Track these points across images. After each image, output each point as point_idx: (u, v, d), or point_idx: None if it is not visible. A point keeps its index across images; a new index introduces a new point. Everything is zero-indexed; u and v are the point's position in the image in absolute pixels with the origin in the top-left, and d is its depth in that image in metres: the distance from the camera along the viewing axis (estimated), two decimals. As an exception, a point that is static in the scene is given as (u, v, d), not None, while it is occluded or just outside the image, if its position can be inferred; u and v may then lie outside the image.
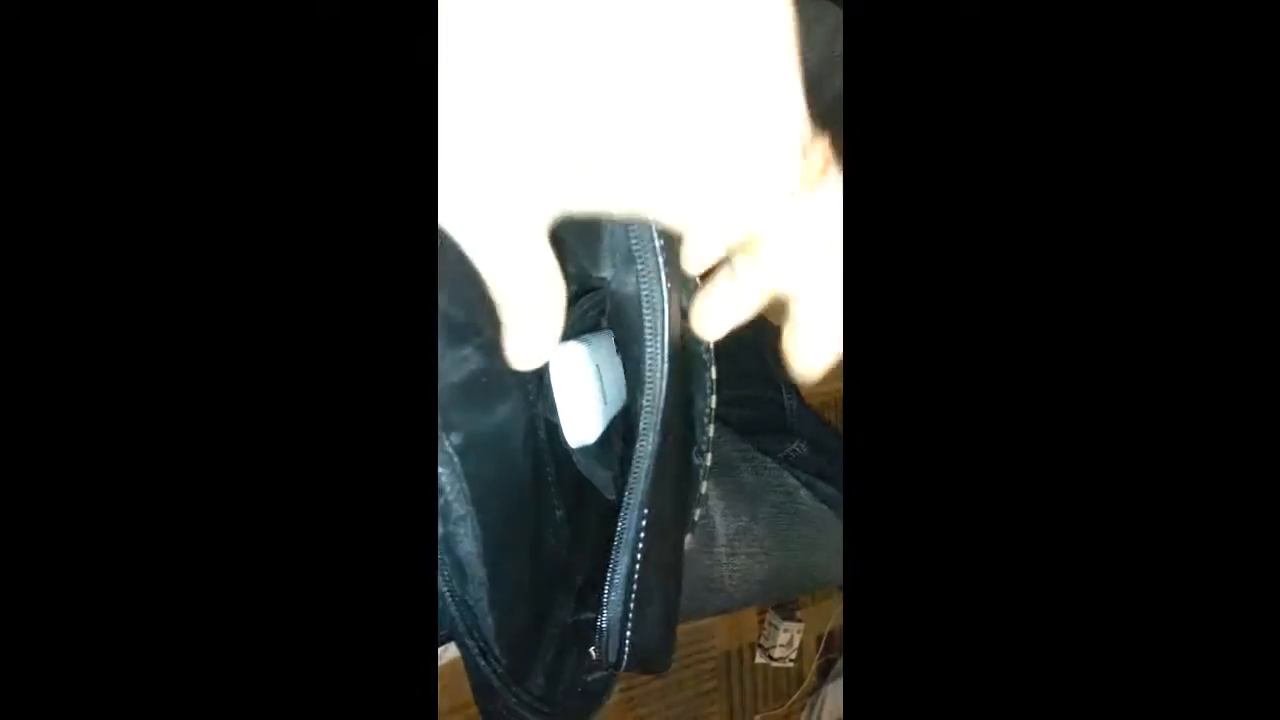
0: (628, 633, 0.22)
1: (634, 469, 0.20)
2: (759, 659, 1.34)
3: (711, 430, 0.31)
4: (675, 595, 0.24)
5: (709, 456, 0.31)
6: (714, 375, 0.30)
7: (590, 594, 0.27)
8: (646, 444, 0.20)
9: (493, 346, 0.28)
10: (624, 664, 0.22)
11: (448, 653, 0.36)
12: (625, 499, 0.21)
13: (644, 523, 0.20)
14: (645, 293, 0.19)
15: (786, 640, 1.32)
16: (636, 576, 0.21)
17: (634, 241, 0.18)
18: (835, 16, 0.45)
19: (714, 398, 0.31)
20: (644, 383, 0.19)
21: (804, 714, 1.37)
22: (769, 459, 0.52)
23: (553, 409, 0.33)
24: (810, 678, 1.40)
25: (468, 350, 0.26)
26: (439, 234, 0.18)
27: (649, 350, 0.19)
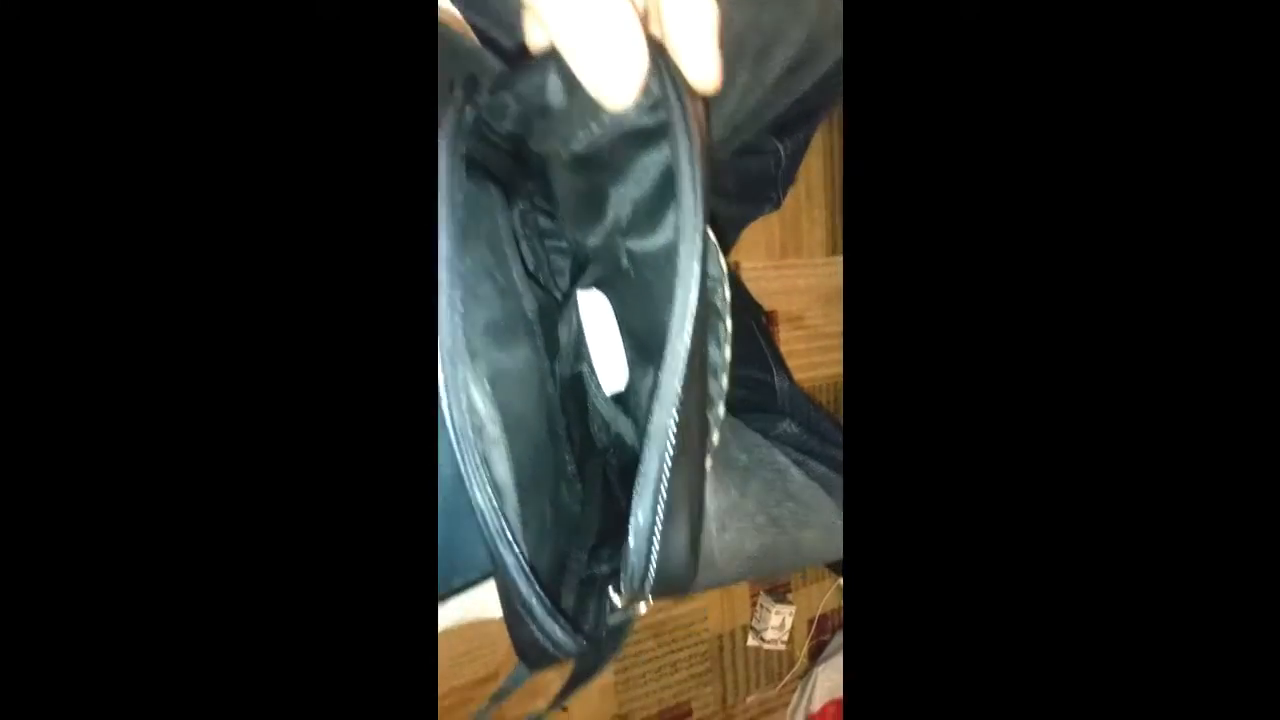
0: (653, 555, 0.21)
1: (660, 396, 0.20)
2: (751, 641, 1.35)
3: (725, 381, 0.31)
4: (699, 520, 0.23)
5: (721, 407, 0.31)
6: (729, 326, 0.30)
7: (602, 549, 0.27)
8: (676, 363, 0.20)
9: (506, 291, 0.28)
10: (649, 586, 0.22)
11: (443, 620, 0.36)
12: (650, 423, 0.20)
13: (671, 439, 0.20)
14: (683, 236, 0.19)
15: (778, 623, 1.33)
16: (663, 502, 0.21)
17: (678, 177, 0.19)
18: None
19: (728, 348, 0.31)
20: (673, 314, 0.19)
21: (795, 696, 1.38)
22: (760, 437, 0.52)
23: (573, 360, 0.33)
24: (802, 660, 1.41)
25: (487, 289, 0.26)
26: (460, 188, 0.18)
27: (679, 289, 0.19)
